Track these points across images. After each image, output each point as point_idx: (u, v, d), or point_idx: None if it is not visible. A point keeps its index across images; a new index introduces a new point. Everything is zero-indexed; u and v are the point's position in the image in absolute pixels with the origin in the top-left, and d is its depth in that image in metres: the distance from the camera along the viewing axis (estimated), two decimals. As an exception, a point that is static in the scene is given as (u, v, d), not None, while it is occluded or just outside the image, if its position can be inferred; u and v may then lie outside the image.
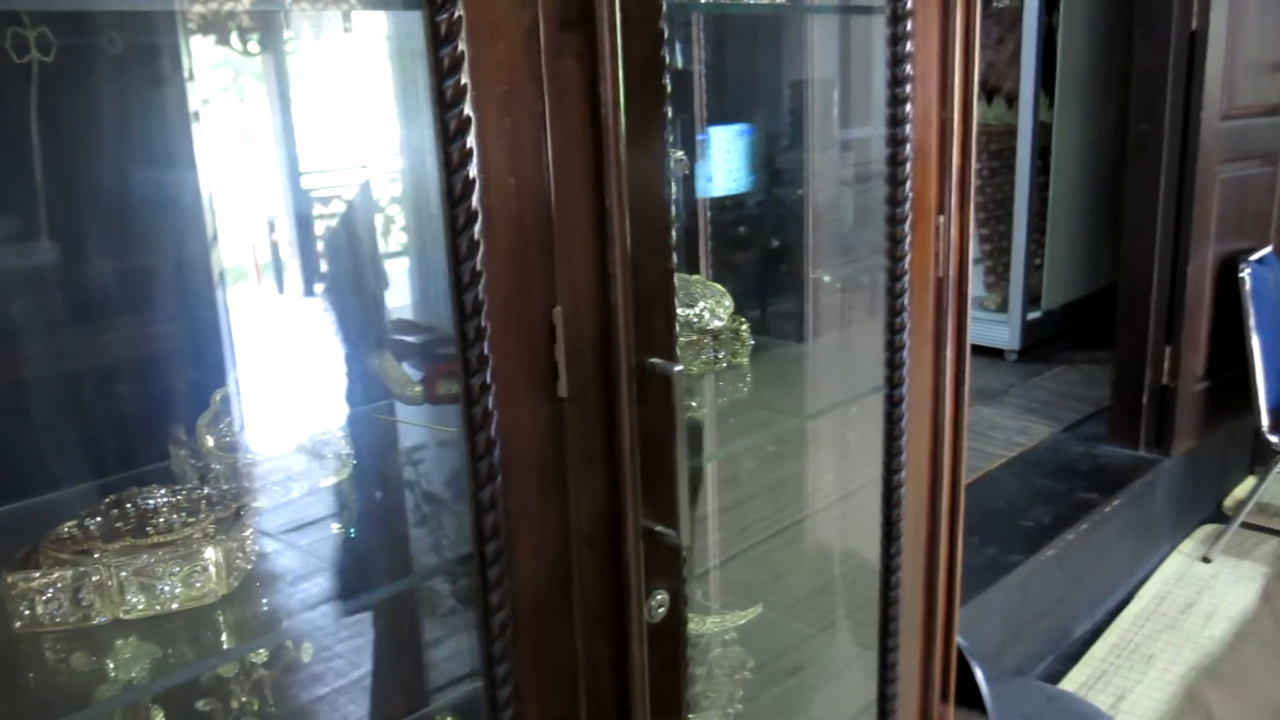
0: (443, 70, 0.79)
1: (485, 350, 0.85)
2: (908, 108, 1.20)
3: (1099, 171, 4.41)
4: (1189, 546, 3.36)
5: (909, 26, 1.18)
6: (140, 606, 0.85)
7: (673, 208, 1.43)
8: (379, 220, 1.46)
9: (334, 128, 1.40)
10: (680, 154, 1.45)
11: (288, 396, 1.29)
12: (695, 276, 1.47)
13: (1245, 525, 3.36)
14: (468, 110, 0.81)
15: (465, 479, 0.87)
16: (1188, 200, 3.17)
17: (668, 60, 0.98)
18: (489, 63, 0.82)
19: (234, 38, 1.29)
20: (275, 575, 1.01)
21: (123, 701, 1.02)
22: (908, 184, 1.22)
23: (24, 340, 1.20)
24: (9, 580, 0.84)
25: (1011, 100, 4.31)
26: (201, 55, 1.26)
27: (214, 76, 1.29)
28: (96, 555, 0.85)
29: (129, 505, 0.91)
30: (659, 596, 1.01)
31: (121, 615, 0.85)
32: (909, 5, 1.18)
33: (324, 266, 1.45)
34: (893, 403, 1.28)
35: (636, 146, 0.91)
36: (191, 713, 1.17)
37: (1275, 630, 2.90)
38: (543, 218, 0.87)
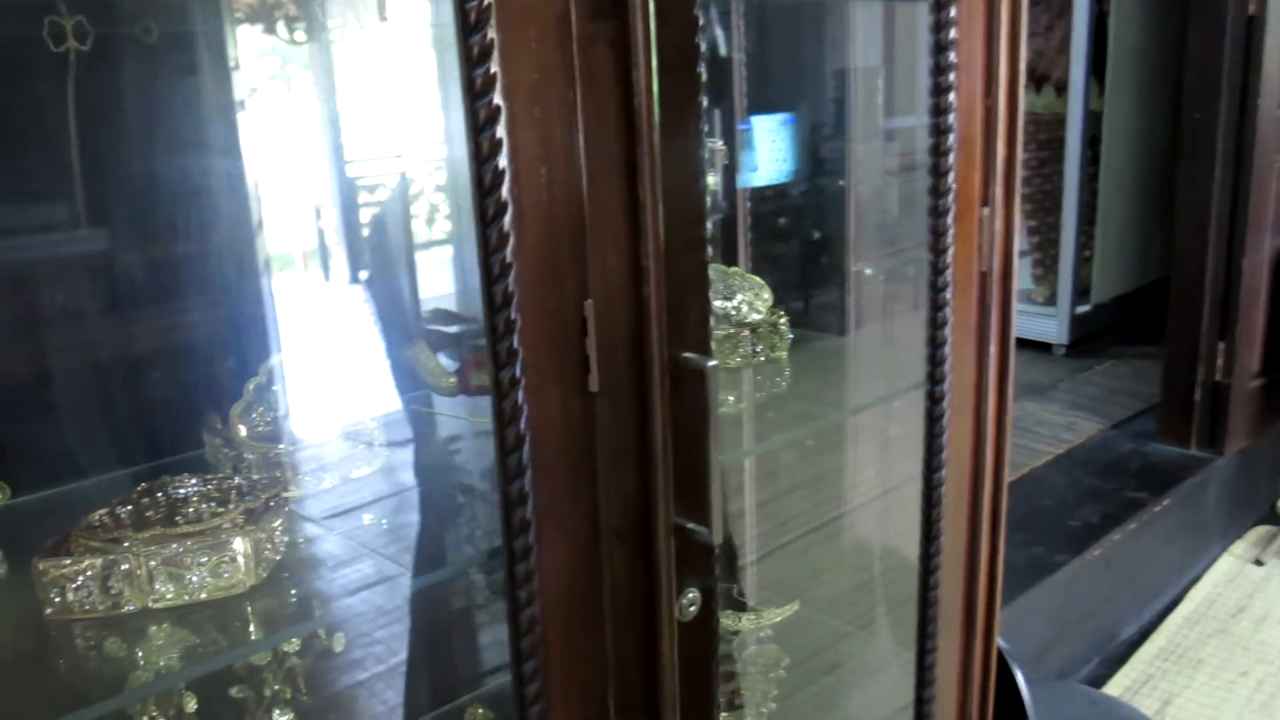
0: (472, 58, 0.78)
1: (515, 344, 0.83)
2: (951, 97, 1.17)
3: (1151, 161, 4.31)
4: (1241, 548, 3.29)
5: (953, 13, 1.14)
6: (169, 596, 0.85)
7: (708, 199, 1.42)
8: (423, 209, 1.45)
9: (378, 116, 1.40)
10: (719, 143, 1.43)
11: (325, 386, 1.29)
12: (734, 268, 1.45)
13: (1300, 527, 3.28)
14: (497, 99, 0.79)
15: (495, 473, 0.86)
16: (1243, 191, 3.09)
17: (703, 48, 0.96)
18: (519, 50, 0.80)
19: (280, 27, 1.29)
20: (306, 565, 1.00)
21: (154, 688, 1.02)
22: (951, 175, 1.19)
23: (65, 328, 1.21)
24: (40, 567, 0.84)
25: (1061, 88, 4.23)
26: (247, 44, 1.27)
27: (261, 65, 1.29)
28: (126, 544, 0.85)
29: (160, 494, 0.91)
30: (690, 595, 1.00)
31: (150, 604, 0.85)
32: (954, -9, 1.15)
33: (365, 255, 1.45)
34: (934, 400, 1.25)
35: (670, 137, 0.89)
36: (224, 699, 1.18)
37: (1329, 634, 2.83)
38: (574, 209, 0.85)
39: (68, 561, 0.83)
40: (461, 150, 0.82)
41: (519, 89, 0.81)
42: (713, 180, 1.57)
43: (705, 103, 0.94)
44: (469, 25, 0.78)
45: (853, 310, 1.65)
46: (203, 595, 0.86)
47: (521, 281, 0.83)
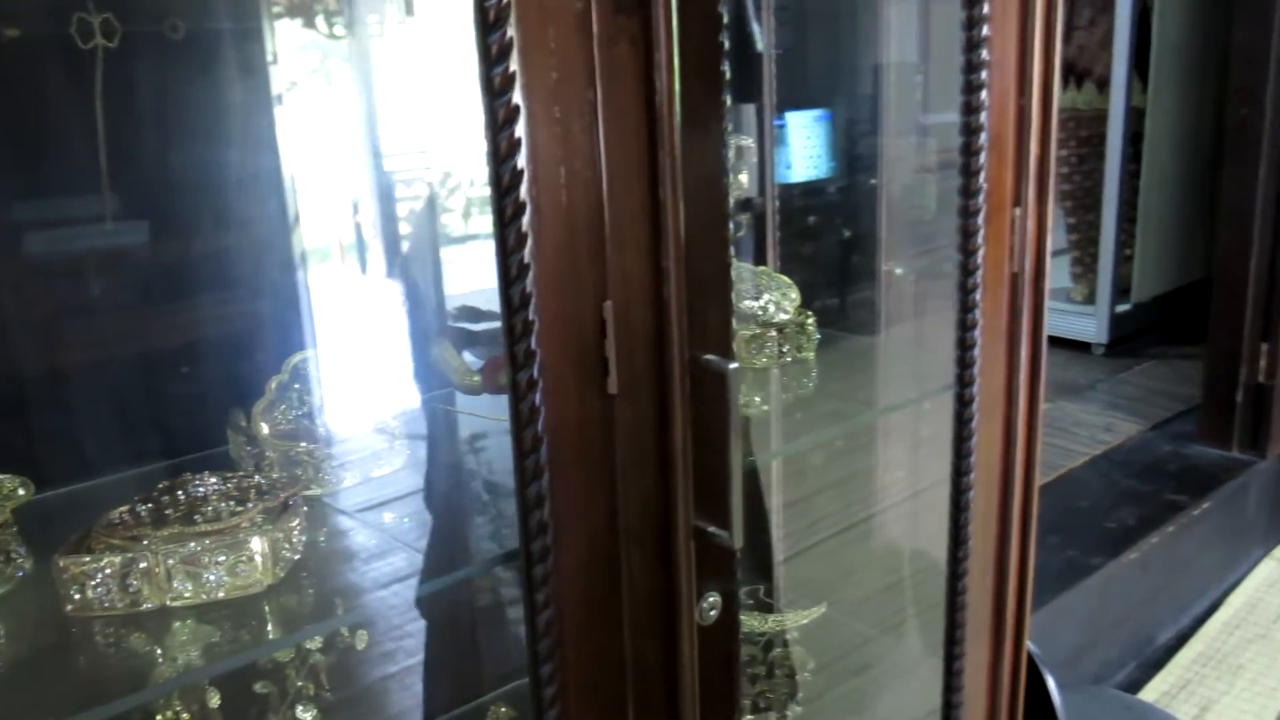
0: (491, 57, 0.77)
1: (533, 345, 0.83)
2: (983, 95, 1.15)
3: (1194, 158, 4.24)
4: (1283, 552, 3.23)
5: (985, 10, 1.12)
6: (187, 594, 0.86)
7: (735, 197, 1.41)
8: (458, 203, 1.45)
9: (415, 110, 1.39)
10: (748, 140, 1.41)
11: (350, 382, 1.30)
12: (761, 268, 1.44)
13: (1344, 532, 3.22)
14: (516, 99, 0.78)
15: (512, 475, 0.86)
16: (1289, 189, 3.03)
17: (735, 44, 0.95)
18: (539, 49, 0.80)
19: (320, 21, 1.29)
20: (331, 561, 1.01)
21: (177, 684, 1.03)
22: (982, 175, 1.17)
23: (95, 322, 1.22)
24: (60, 564, 0.85)
25: (1102, 84, 4.16)
26: (286, 38, 1.27)
27: (300, 59, 1.29)
28: (145, 542, 0.86)
29: (180, 492, 0.91)
30: (711, 599, 0.99)
31: (169, 602, 0.86)
32: (987, -13, 1.13)
33: (398, 251, 1.46)
34: (963, 403, 1.23)
35: (692, 136, 0.88)
36: (247, 695, 1.18)
37: (1373, 643, 2.77)
38: (593, 209, 0.85)
39: (87, 559, 0.84)
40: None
41: (538, 88, 0.80)
42: (744, 178, 1.55)
43: (730, 100, 0.93)
44: (488, 23, 0.77)
45: (883, 310, 1.63)
46: (220, 594, 0.86)
47: (540, 283, 0.82)
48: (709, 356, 0.92)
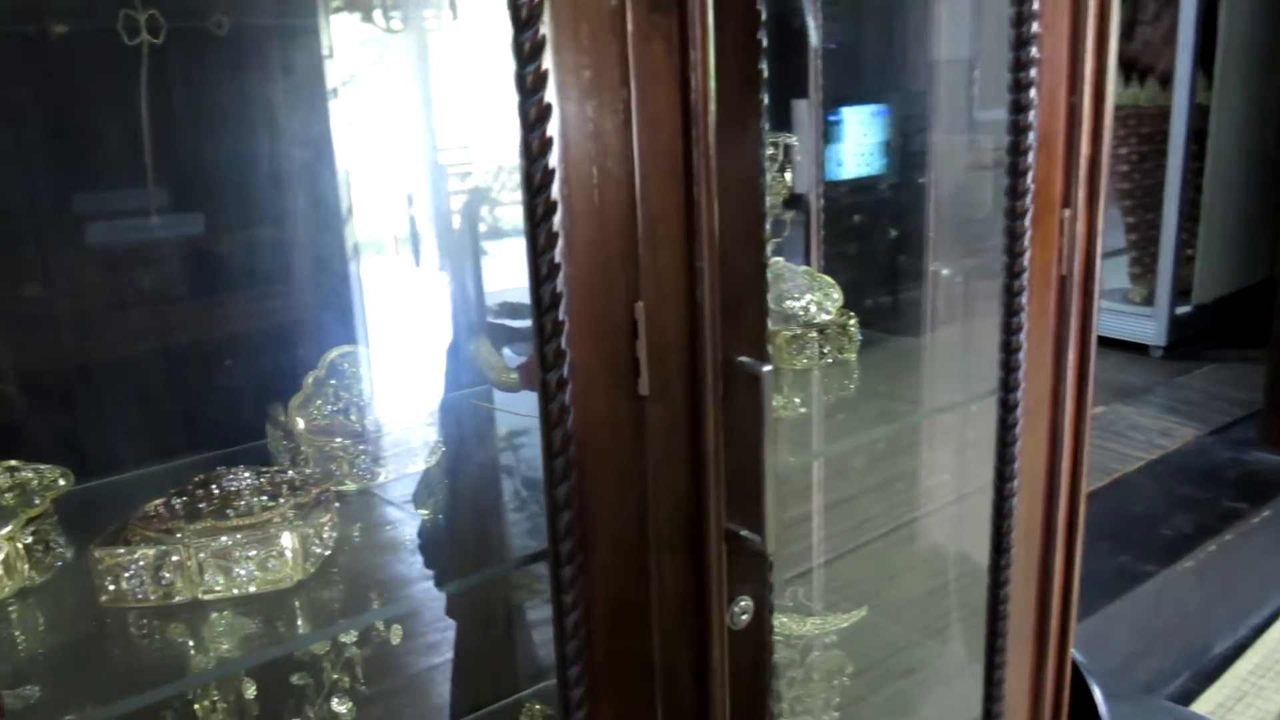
0: (524, 55, 0.77)
1: (563, 345, 0.82)
2: (1032, 93, 1.12)
3: (1259, 157, 4.13)
4: (1346, 563, 3.13)
5: (1035, 5, 1.10)
6: (218, 588, 0.86)
7: (778, 195, 1.39)
8: (508, 199, 1.45)
9: (469, 104, 1.39)
10: (792, 138, 1.39)
11: (388, 378, 1.30)
12: (804, 267, 1.42)
13: None
14: (548, 97, 0.78)
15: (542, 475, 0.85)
16: (1359, 190, 2.94)
17: (776, 41, 0.93)
18: (572, 47, 0.79)
19: (378, 14, 1.30)
20: (376, 554, 1.01)
21: (211, 676, 1.04)
22: (1030, 175, 1.15)
23: (143, 315, 1.24)
24: (96, 555, 0.86)
25: (1165, 80, 4.07)
26: (342, 32, 1.28)
27: (357, 53, 1.30)
28: (178, 535, 0.86)
29: (214, 486, 0.92)
30: (742, 603, 0.97)
31: (200, 595, 0.86)
32: (1037, -18, 1.10)
33: (444, 246, 1.46)
34: (1006, 407, 1.21)
35: (729, 135, 0.87)
36: (282, 687, 1.19)
37: None
38: (626, 209, 0.84)
39: (121, 551, 0.85)
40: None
41: (571, 87, 0.79)
42: (788, 176, 1.53)
43: (768, 98, 0.91)
44: (520, 21, 0.76)
45: (928, 312, 1.60)
46: (251, 588, 0.87)
47: (571, 282, 0.81)
48: (743, 358, 0.91)
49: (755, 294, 0.93)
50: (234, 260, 1.31)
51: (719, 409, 0.90)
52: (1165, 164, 4.03)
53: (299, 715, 1.21)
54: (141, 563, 0.84)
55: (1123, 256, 4.35)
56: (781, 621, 1.55)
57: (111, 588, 0.86)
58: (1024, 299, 1.17)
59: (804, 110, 1.72)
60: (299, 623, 0.89)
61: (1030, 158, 1.14)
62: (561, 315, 0.81)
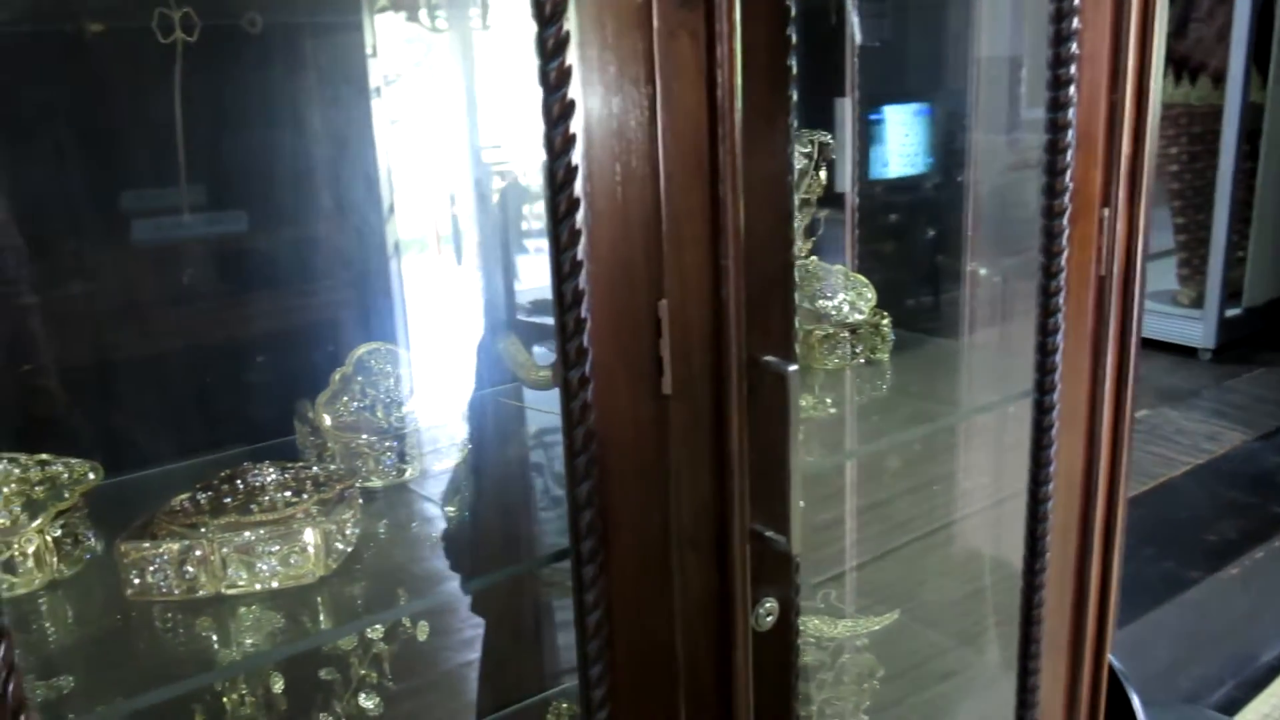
0: (547, 51, 0.76)
1: (585, 343, 0.81)
2: (1071, 90, 1.10)
3: (1315, 157, 4.04)
4: (1399, 573, 3.05)
5: (1075, 1, 1.07)
6: (241, 582, 0.87)
7: (803, 195, 1.37)
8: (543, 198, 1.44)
9: (511, 102, 1.39)
10: (826, 136, 1.38)
11: (417, 375, 1.30)
12: (837, 266, 1.40)
13: None
14: (572, 93, 0.77)
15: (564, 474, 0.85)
16: None
17: (807, 38, 0.92)
18: (596, 42, 0.78)
19: (423, 14, 1.30)
20: (386, 555, 1.01)
21: (238, 669, 1.05)
22: (1068, 174, 1.12)
23: (174, 312, 1.25)
24: (122, 549, 0.87)
25: (1218, 78, 3.99)
26: (387, 31, 1.28)
27: (402, 52, 1.30)
28: (203, 530, 0.87)
29: (239, 481, 0.93)
30: (768, 605, 0.96)
31: (224, 590, 0.87)
32: (1077, -23, 1.08)
33: (479, 244, 1.46)
34: (1042, 410, 1.18)
35: (756, 132, 0.85)
36: (310, 682, 1.20)
37: None
38: (650, 207, 0.83)
39: (146, 545, 0.85)
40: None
41: (595, 83, 0.79)
42: (823, 175, 1.52)
43: (797, 97, 0.90)
44: (544, 17, 0.76)
45: (965, 313, 1.58)
46: (274, 584, 0.87)
47: (593, 280, 0.81)
48: (769, 358, 0.90)
49: (782, 293, 0.92)
50: (274, 257, 1.31)
51: (744, 409, 0.89)
52: (1216, 164, 3.95)
53: (327, 710, 1.22)
54: (166, 557, 0.85)
55: (1171, 258, 4.28)
56: (813, 623, 1.54)
57: (137, 581, 0.86)
58: (1061, 299, 1.15)
59: (843, 108, 1.70)
60: (321, 618, 0.90)
61: (1069, 156, 1.12)
62: (584, 313, 0.81)
